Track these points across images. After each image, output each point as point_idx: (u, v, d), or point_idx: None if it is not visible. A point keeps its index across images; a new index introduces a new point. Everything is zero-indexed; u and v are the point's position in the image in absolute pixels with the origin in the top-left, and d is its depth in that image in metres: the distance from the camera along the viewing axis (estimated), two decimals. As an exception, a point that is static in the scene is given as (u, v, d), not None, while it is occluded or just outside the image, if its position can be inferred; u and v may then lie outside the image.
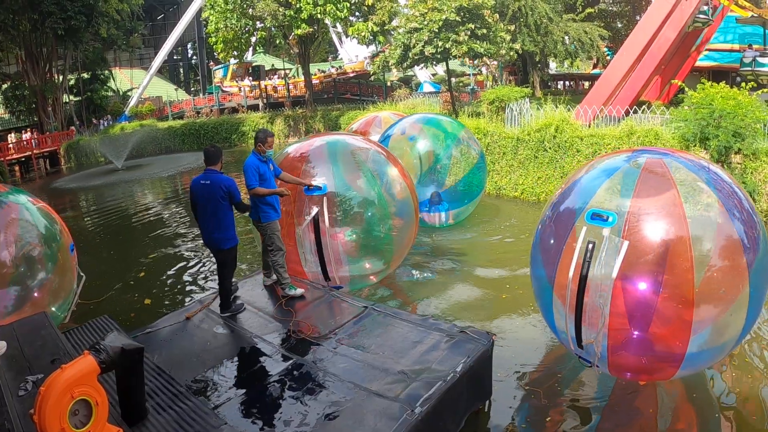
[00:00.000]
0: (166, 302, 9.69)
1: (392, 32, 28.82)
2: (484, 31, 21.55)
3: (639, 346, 5.31)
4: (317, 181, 7.53)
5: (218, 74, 51.61)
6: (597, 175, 5.48)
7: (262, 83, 44.21)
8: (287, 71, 48.65)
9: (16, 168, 34.13)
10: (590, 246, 4.98)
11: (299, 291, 7.14)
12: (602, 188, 5.29)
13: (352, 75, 44.34)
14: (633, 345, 5.31)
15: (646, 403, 5.77)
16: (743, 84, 12.10)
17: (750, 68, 19.21)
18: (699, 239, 4.88)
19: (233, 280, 7.26)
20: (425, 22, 21.44)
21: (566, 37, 27.29)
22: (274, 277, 7.35)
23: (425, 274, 10.16)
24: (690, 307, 4.87)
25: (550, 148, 14.43)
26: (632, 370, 5.58)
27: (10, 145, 35.40)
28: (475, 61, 32.32)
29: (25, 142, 35.81)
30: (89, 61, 43.34)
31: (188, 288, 10.37)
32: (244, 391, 5.05)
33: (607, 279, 4.89)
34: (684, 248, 4.84)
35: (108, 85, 46.59)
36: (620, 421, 5.62)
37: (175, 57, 66.68)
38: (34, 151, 35.32)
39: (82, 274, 8.10)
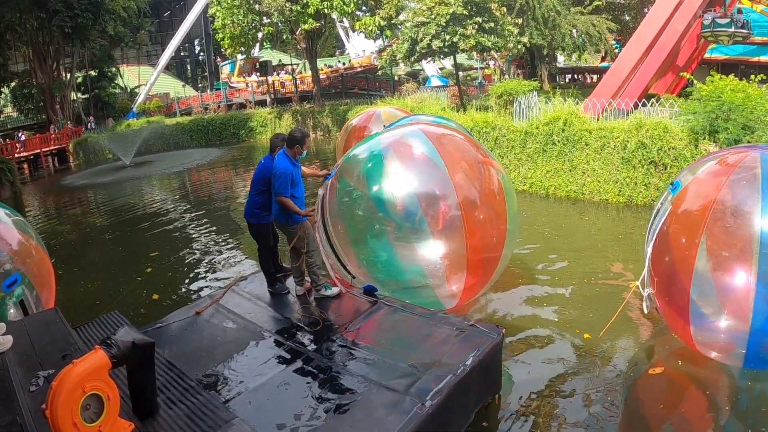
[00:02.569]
0: (174, 297, 9.72)
1: (399, 26, 28.85)
2: (492, 24, 21.51)
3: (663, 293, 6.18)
4: None
5: (225, 70, 51.70)
6: (698, 162, 6.50)
7: (270, 79, 44.27)
8: (294, 66, 48.64)
9: (25, 166, 34.22)
10: (660, 206, 6.32)
11: (335, 290, 6.85)
12: (689, 168, 6.44)
13: (359, 69, 44.31)
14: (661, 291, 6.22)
15: (659, 396, 5.75)
16: (752, 76, 12.01)
17: (709, 30, 19.24)
18: (713, 225, 5.38)
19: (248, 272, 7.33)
20: (432, 16, 21.42)
21: (574, 30, 27.12)
22: (307, 285, 7.01)
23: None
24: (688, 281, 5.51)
25: (558, 142, 14.36)
26: (666, 316, 6.44)
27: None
28: (483, 55, 32.26)
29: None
30: (96, 58, 43.54)
31: (195, 283, 10.40)
32: (254, 385, 5.04)
33: (654, 231, 6.15)
34: (696, 230, 5.49)
35: (116, 82, 46.82)
36: (632, 414, 5.61)
37: (182, 53, 66.58)
38: (43, 149, 35.47)
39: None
